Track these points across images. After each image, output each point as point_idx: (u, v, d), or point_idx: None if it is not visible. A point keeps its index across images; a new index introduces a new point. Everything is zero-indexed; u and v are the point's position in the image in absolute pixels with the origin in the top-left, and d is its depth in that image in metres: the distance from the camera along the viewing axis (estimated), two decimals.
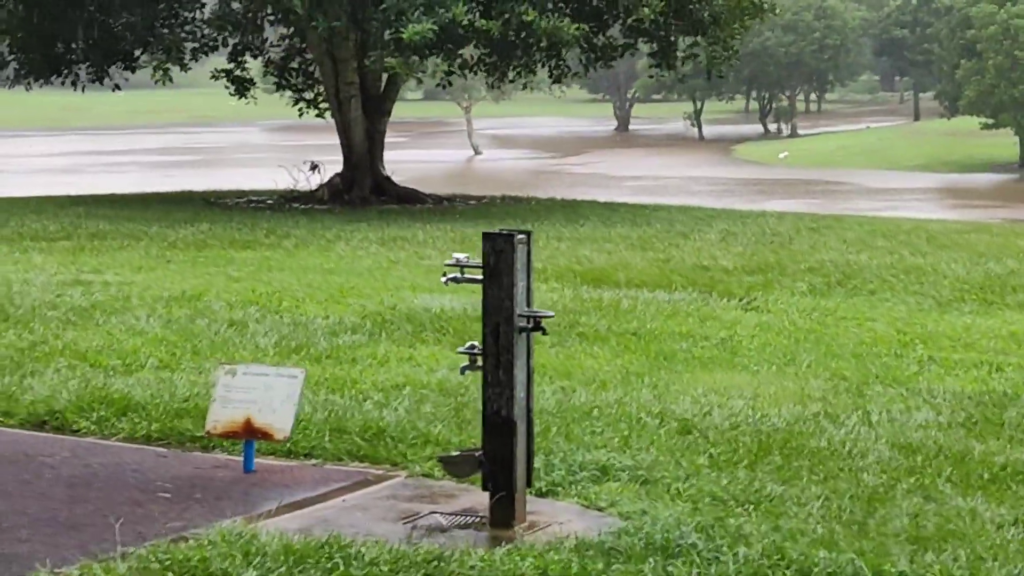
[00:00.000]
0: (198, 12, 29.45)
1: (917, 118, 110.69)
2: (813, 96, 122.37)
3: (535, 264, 15.60)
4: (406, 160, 75.26)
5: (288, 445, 7.81)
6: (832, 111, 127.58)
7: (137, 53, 29.04)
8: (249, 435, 7.57)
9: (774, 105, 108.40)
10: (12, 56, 26.97)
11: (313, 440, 8.01)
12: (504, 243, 6.64)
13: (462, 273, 6.91)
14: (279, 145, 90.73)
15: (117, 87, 28.93)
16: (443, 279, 7.00)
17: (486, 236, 6.73)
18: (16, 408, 8.69)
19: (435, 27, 20.28)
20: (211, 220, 21.56)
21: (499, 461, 6.64)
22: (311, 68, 30.65)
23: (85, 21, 26.05)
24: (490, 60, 26.57)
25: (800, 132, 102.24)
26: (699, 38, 24.81)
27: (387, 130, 27.45)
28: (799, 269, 15.47)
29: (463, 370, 6.92)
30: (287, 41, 30.40)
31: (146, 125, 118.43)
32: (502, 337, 6.63)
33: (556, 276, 14.98)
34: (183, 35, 28.97)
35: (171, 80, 30.90)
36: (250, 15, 27.45)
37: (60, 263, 15.43)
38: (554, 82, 28.64)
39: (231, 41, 29.72)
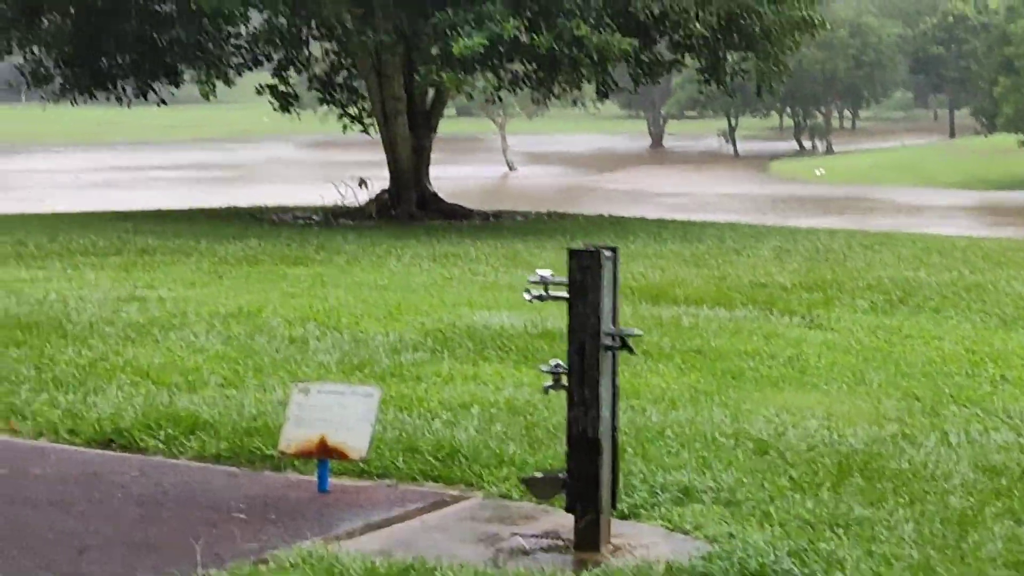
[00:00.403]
0: (243, 27, 29.37)
1: (953, 135, 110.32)
2: (847, 113, 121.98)
3: None
4: (442, 176, 75.25)
5: (361, 465, 7.68)
6: (866, 128, 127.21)
7: (182, 68, 29.02)
8: (324, 455, 7.45)
9: (808, 122, 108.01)
10: (58, 70, 26.94)
11: (386, 460, 7.88)
12: (591, 259, 6.51)
13: (546, 291, 6.79)
14: (315, 160, 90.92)
15: (163, 102, 28.92)
16: (526, 296, 6.87)
17: (572, 252, 6.60)
18: (81, 426, 8.60)
19: (486, 42, 20.18)
20: (259, 236, 21.48)
21: (584, 482, 6.50)
22: (355, 83, 30.63)
23: (131, 36, 26.02)
24: (536, 75, 26.44)
25: (835, 149, 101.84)
26: (749, 53, 24.65)
27: (428, 144, 27.34)
28: (858, 286, 15.28)
29: (547, 389, 6.79)
30: (331, 56, 30.37)
31: (181, 140, 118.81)
32: (588, 356, 6.49)
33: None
34: (228, 50, 28.94)
35: (215, 95, 30.97)
36: (295, 30, 27.35)
37: (113, 279, 15.35)
38: (601, 97, 28.52)
39: (275, 56, 29.68)
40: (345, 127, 30.54)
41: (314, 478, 7.64)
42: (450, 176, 75.71)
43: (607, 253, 6.57)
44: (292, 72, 30.46)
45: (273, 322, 12.22)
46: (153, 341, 11.23)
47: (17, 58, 28.19)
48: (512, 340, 11.70)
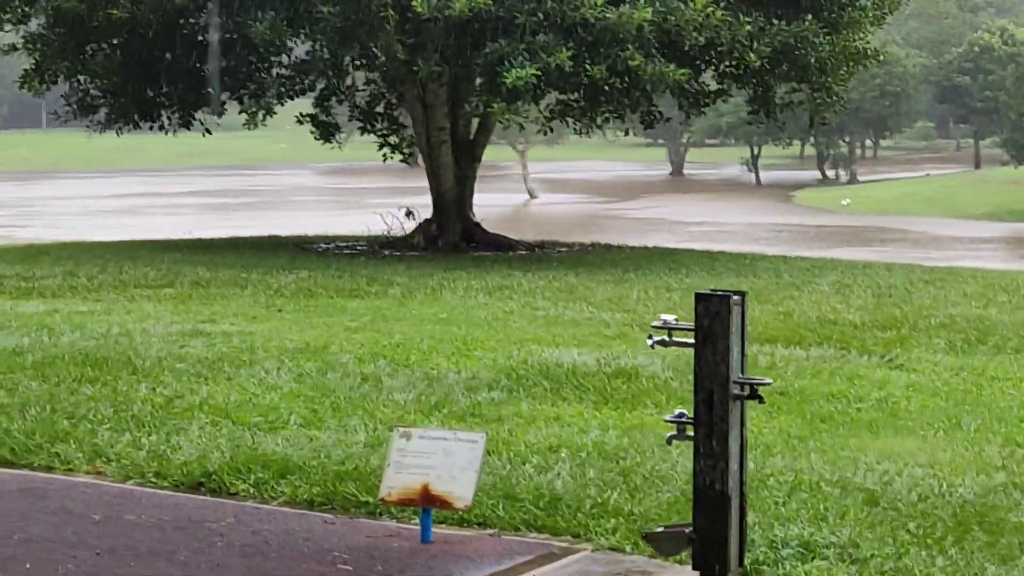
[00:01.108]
0: (284, 56, 29.22)
1: (978, 166, 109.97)
2: (868, 142, 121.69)
3: (656, 315, 15.17)
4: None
5: (460, 513, 7.45)
6: (888, 157, 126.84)
7: (224, 98, 28.90)
8: (427, 503, 7.21)
9: (832, 151, 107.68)
10: (103, 100, 26.81)
11: (484, 507, 7.64)
12: (720, 305, 6.28)
13: (670, 336, 6.54)
14: (336, 188, 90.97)
15: (208, 131, 28.80)
16: (649, 342, 6.64)
17: (700, 297, 6.36)
18: (168, 468, 8.38)
19: (538, 72, 19.98)
20: (308, 267, 21.27)
21: (711, 538, 6.25)
22: (396, 113, 30.50)
23: (177, 66, 25.92)
24: (579, 105, 26.20)
25: (859, 179, 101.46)
26: (802, 84, 24.42)
27: (472, 175, 27.11)
28: (931, 324, 14.98)
29: (670, 440, 6.55)
30: (373, 86, 30.23)
31: (198, 167, 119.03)
32: (716, 405, 6.25)
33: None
34: (270, 80, 28.82)
35: (262, 124, 30.87)
36: (336, 59, 27.17)
37: (172, 311, 15.15)
38: (646, 128, 28.31)
39: (317, 86, 29.54)
40: (385, 156, 30.42)
41: (413, 526, 7.42)
42: (477, 204, 75.62)
43: (736, 298, 6.33)
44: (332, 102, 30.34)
45: (342, 358, 11.99)
46: (225, 378, 11.00)
47: (56, 87, 28.11)
48: (587, 379, 11.45)
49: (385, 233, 26.66)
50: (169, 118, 27.93)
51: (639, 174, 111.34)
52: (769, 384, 6.46)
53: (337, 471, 8.23)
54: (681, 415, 6.44)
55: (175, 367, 11.40)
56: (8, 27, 26.29)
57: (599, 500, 7.78)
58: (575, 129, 27.67)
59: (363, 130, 30.52)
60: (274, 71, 29.16)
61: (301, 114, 30.35)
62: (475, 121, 26.02)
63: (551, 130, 24.76)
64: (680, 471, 8.46)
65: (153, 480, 8.29)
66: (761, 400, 6.35)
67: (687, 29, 20.79)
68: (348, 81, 29.56)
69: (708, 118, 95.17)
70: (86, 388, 10.40)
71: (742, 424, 6.34)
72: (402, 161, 29.85)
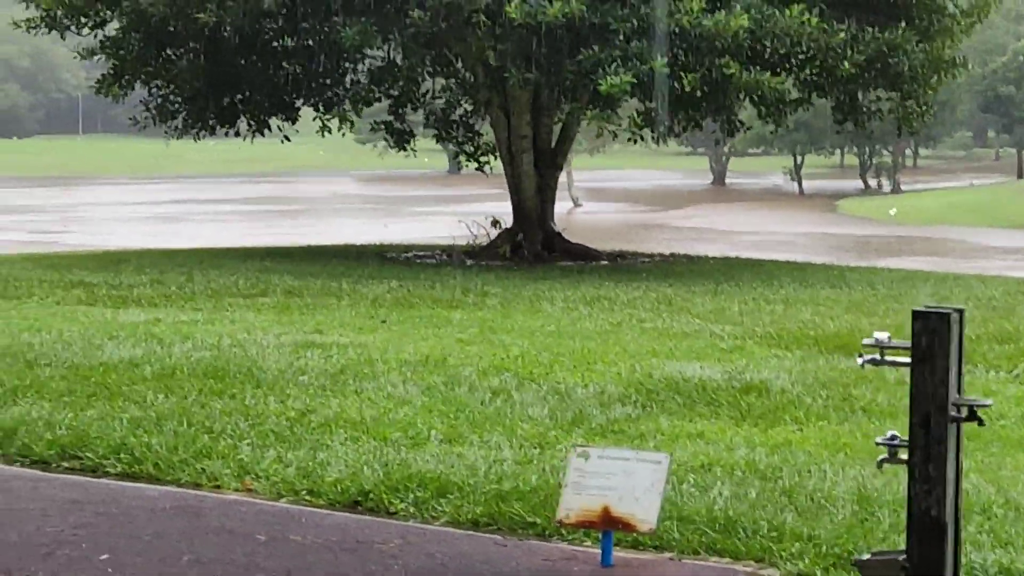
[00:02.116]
0: (359, 64, 29.02)
1: (1021, 175, 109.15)
2: (908, 151, 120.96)
3: (766, 327, 14.89)
4: (507, 212, 74.89)
5: (634, 535, 7.19)
6: (927, 167, 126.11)
7: (298, 104, 28.73)
8: (608, 525, 6.94)
9: (874, 160, 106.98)
10: (182, 106, 26.66)
11: (658, 529, 7.36)
12: (938, 322, 5.96)
13: (882, 355, 6.24)
14: (380, 196, 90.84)
15: (287, 138, 28.63)
16: (859, 360, 6.33)
17: (917, 314, 6.05)
18: (321, 486, 8.14)
19: (634, 80, 19.70)
20: (396, 276, 21.05)
21: (927, 567, 5.95)
22: (472, 120, 30.28)
23: (255, 71, 25.75)
24: (657, 114, 25.88)
25: (901, 188, 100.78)
26: (893, 93, 24.06)
27: (553, 184, 26.81)
28: None
29: (880, 463, 6.24)
30: (448, 93, 30.02)
31: (237, 174, 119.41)
32: (934, 428, 5.94)
33: (795, 342, 14.27)
34: (344, 89, 28.60)
35: (329, 132, 30.69)
36: (415, 66, 26.87)
37: (275, 322, 14.94)
38: (728, 136, 27.97)
39: (392, 93, 29.30)
40: (461, 165, 30.19)
41: (589, 549, 7.19)
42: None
43: (954, 315, 6.02)
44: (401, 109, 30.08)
45: (465, 371, 11.74)
46: (353, 392, 10.77)
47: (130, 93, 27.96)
48: (718, 394, 11.17)
49: (470, 242, 26.39)
50: (251, 124, 27.73)
51: (680, 183, 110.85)
52: (990, 405, 6.15)
53: (497, 490, 7.99)
54: (894, 437, 6.14)
55: (298, 380, 11.18)
56: (86, 31, 26.18)
57: (774, 522, 7.51)
58: (654, 138, 27.27)
59: (438, 138, 30.30)
60: (347, 78, 28.91)
61: (375, 121, 30.14)
62: (558, 129, 25.74)
63: (641, 138, 24.46)
64: (843, 492, 8.19)
65: (307, 498, 8.06)
66: (981, 423, 6.05)
67: (782, 37, 20.49)
68: (425, 88, 29.30)
69: (755, 127, 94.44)
70: (216, 401, 10.18)
71: (958, 448, 6.04)
72: (477, 169, 29.59)
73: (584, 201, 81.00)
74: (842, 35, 21.39)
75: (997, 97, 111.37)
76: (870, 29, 22.13)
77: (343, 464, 8.50)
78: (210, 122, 27.15)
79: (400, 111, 29.59)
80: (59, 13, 25.31)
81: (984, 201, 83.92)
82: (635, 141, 24.18)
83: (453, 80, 29.39)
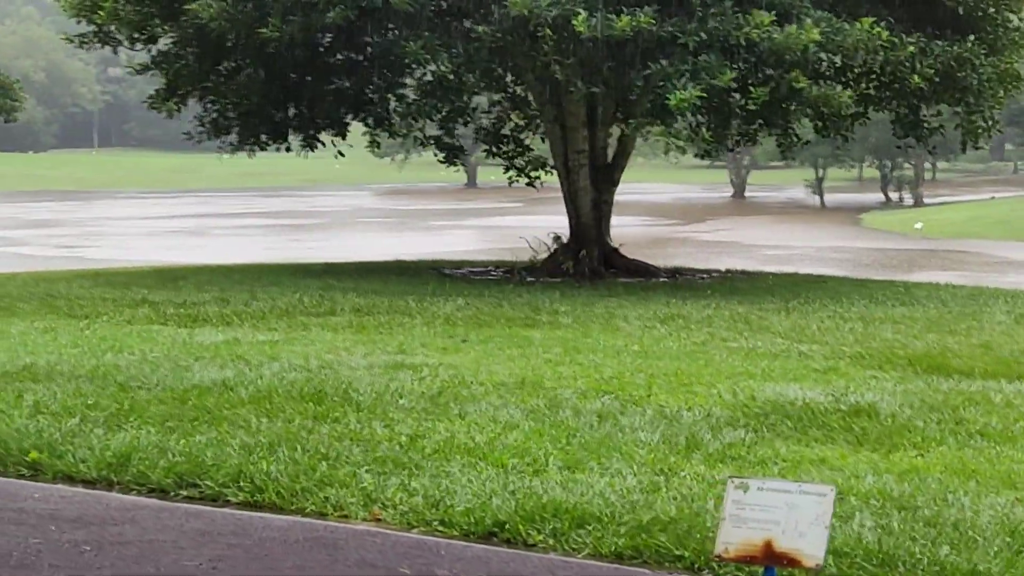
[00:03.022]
0: (409, 78, 28.80)
1: None
2: (927, 165, 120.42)
3: (853, 347, 14.56)
4: (529, 225, 74.56)
5: (794, 571, 6.90)
6: (946, 180, 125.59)
7: (348, 119, 28.52)
8: (771, 560, 6.66)
9: (895, 174, 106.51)
10: (237, 121, 26.43)
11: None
12: None
13: None
14: (402, 210, 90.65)
15: (340, 154, 28.40)
16: None
17: None
18: (452, 516, 7.89)
19: (703, 94, 19.42)
20: (459, 293, 20.81)
21: None
22: (523, 135, 30.05)
23: (312, 86, 25.54)
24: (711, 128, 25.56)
25: (924, 201, 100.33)
26: (959, 107, 23.75)
27: (610, 199, 26.49)
28: None
29: None
30: (498, 107, 29.80)
31: (254, 187, 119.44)
32: None
33: (887, 362, 13.98)
34: (399, 101, 28.36)
35: (379, 147, 30.50)
36: (462, 80, 26.61)
37: (356, 342, 14.69)
38: (782, 152, 27.68)
39: (443, 108, 29.04)
40: (511, 180, 29.96)
41: None
42: (537, 225, 74.60)
43: None
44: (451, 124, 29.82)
45: (564, 394, 11.50)
46: (456, 415, 10.52)
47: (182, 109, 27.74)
48: (827, 417, 10.90)
49: (532, 258, 26.09)
50: (304, 139, 27.52)
51: (701, 196, 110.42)
52: None
53: (636, 520, 7.73)
54: None
55: (398, 403, 10.93)
56: (139, 46, 26.00)
57: (931, 556, 7.23)
58: (702, 153, 26.95)
59: (488, 153, 30.07)
60: (398, 93, 28.64)
61: (425, 136, 29.90)
62: (616, 144, 25.47)
63: (708, 154, 24.17)
64: (989, 522, 7.91)
65: (440, 529, 7.80)
66: None
67: (852, 50, 20.20)
68: (474, 103, 29.04)
69: (769, 139, 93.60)
70: (321, 426, 9.93)
71: None
72: (528, 184, 29.33)
73: None
74: (911, 48, 21.09)
75: (1021, 110, 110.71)
76: (939, 43, 21.85)
77: (468, 492, 8.25)
78: (262, 137, 26.93)
79: (450, 126, 29.33)
80: (113, 28, 25.14)
81: (1007, 214, 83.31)
82: (702, 156, 23.87)
83: (503, 94, 29.18)
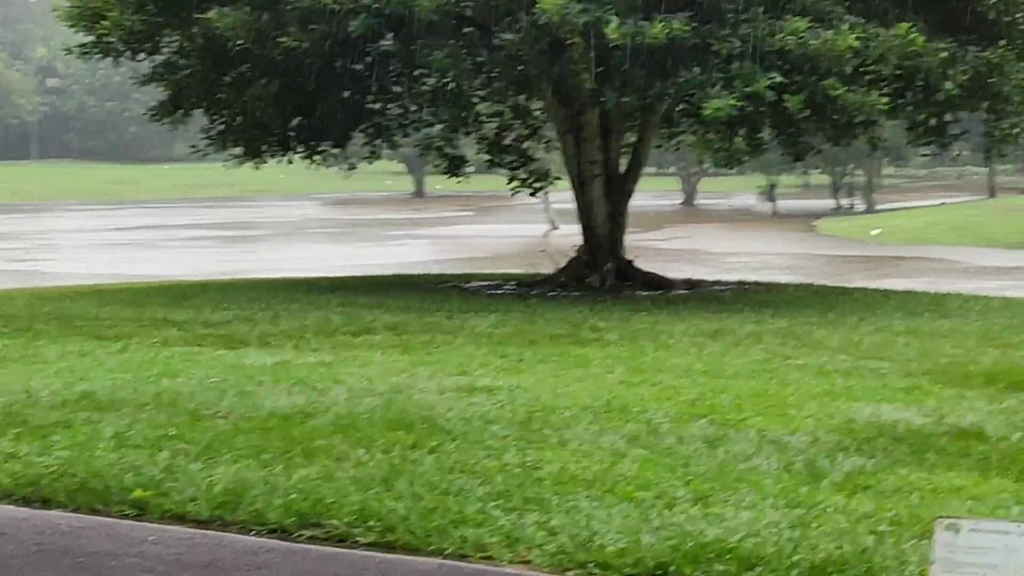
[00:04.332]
0: (410, 88, 28.24)
1: (993, 194, 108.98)
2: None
3: (922, 363, 14.05)
4: (483, 235, 74.18)
5: None
6: (891, 185, 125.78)
7: (352, 130, 27.98)
8: None
9: (846, 180, 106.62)
10: (248, 132, 25.80)
11: None
12: None
13: None
14: (354, 220, 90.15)
15: (352, 166, 27.84)
16: None
17: None
18: (606, 557, 7.37)
19: (739, 103, 18.95)
20: (486, 309, 20.32)
21: None
22: (524, 145, 29.54)
23: (324, 98, 24.97)
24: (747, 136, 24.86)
25: (876, 207, 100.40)
26: (990, 114, 23.38)
27: (623, 210, 25.97)
28: None
29: None
30: (500, 117, 29.26)
31: (194, 199, 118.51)
32: None
33: (964, 380, 13.56)
34: (395, 111, 27.86)
35: (379, 157, 29.95)
36: (463, 88, 26.04)
37: (412, 363, 14.15)
38: (794, 160, 27.25)
39: (444, 118, 28.48)
40: (514, 191, 29.45)
41: None
42: (490, 235, 74.24)
43: None
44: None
45: (655, 418, 11.00)
46: (556, 443, 10.00)
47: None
48: (935, 440, 10.43)
49: (555, 271, 25.56)
50: (311, 151, 26.95)
51: (650, 204, 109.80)
52: None
53: (806, 561, 7.22)
54: None
55: (489, 429, 10.39)
56: (141, 56, 25.37)
57: None
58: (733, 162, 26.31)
59: (491, 163, 29.54)
60: (397, 103, 28.09)
61: (428, 146, 29.34)
62: (630, 154, 25.00)
63: (740, 163, 23.67)
64: None
65: (596, 572, 7.28)
66: None
67: (887, 56, 19.78)
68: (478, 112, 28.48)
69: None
70: (425, 457, 9.37)
71: None
72: (531, 195, 28.83)
73: (560, 224, 79.95)
74: (944, 54, 20.70)
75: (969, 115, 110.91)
76: (971, 48, 21.47)
77: (611, 530, 7.72)
78: (267, 148, 26.33)
79: (452, 136, 28.76)
80: (115, 39, 24.48)
81: (963, 220, 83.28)
82: (732, 166, 23.43)
83: (508, 105, 28.63)
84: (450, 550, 7.58)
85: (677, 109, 20.64)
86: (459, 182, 28.72)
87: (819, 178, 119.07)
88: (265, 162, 27.30)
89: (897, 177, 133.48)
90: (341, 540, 7.76)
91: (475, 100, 28.07)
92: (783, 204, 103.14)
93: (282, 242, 72.27)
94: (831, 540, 7.63)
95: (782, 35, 19.43)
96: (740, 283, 27.41)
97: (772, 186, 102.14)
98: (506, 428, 10.45)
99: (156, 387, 12.00)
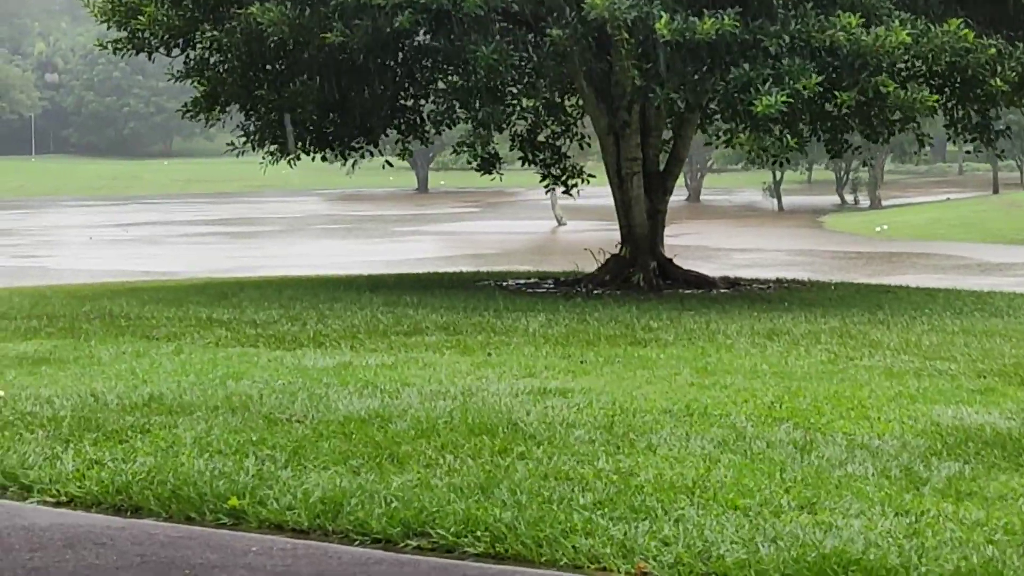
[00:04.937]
0: (440, 83, 28.01)
1: (996, 190, 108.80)
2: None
3: (989, 363, 13.82)
4: (490, 231, 74.02)
5: None
6: (894, 182, 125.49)
7: (387, 127, 27.76)
8: None
9: (850, 176, 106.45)
10: (282, 131, 25.58)
11: None
12: None
13: None
14: (359, 216, 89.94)
15: (388, 163, 27.62)
16: None
17: None
18: (726, 568, 7.19)
19: (789, 99, 18.71)
20: (531, 309, 20.11)
21: None
22: (559, 142, 29.32)
23: (363, 93, 24.75)
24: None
25: (882, 204, 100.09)
26: None
27: (663, 208, 25.74)
28: None
29: None
30: (532, 114, 29.00)
31: (196, 194, 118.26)
32: None
33: None
34: (429, 108, 27.61)
35: (411, 154, 29.72)
36: (493, 85, 25.78)
37: (475, 364, 13.95)
38: (832, 158, 27.00)
39: (478, 114, 28.22)
40: (547, 188, 29.25)
41: None
42: (497, 231, 74.12)
43: None
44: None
45: (738, 422, 10.79)
46: (645, 448, 9.79)
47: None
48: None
49: (596, 269, 25.35)
50: (345, 148, 26.73)
51: None
52: None
53: (935, 573, 7.02)
54: None
55: (573, 434, 10.18)
56: (176, 52, 25.15)
57: None
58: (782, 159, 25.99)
59: (524, 160, 29.31)
60: (430, 99, 27.87)
61: (459, 144, 29.08)
62: (669, 151, 24.78)
63: (787, 161, 23.44)
64: None
65: None
66: None
67: (939, 53, 19.55)
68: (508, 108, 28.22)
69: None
70: (516, 463, 9.16)
71: None
72: (565, 193, 28.60)
73: (567, 220, 79.84)
74: (992, 51, 20.45)
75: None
76: (1020, 44, 21.22)
77: (726, 540, 7.50)
78: (304, 145, 26.11)
79: (483, 133, 28.46)
80: (148, 34, 24.26)
81: (968, 216, 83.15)
82: (780, 164, 23.14)
83: (541, 102, 28.37)
84: (563, 561, 7.37)
85: (724, 106, 20.28)
86: (492, 178, 28.41)
87: (821, 174, 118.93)
88: (300, 159, 27.06)
89: (898, 174, 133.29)
90: (448, 551, 7.55)
91: (512, 97, 27.96)
92: (787, 200, 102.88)
93: (288, 238, 72.09)
94: (951, 550, 7.42)
95: (832, 31, 19.20)
96: (778, 280, 27.19)
97: (778, 182, 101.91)
98: (590, 433, 10.23)
99: (224, 390, 11.79)
